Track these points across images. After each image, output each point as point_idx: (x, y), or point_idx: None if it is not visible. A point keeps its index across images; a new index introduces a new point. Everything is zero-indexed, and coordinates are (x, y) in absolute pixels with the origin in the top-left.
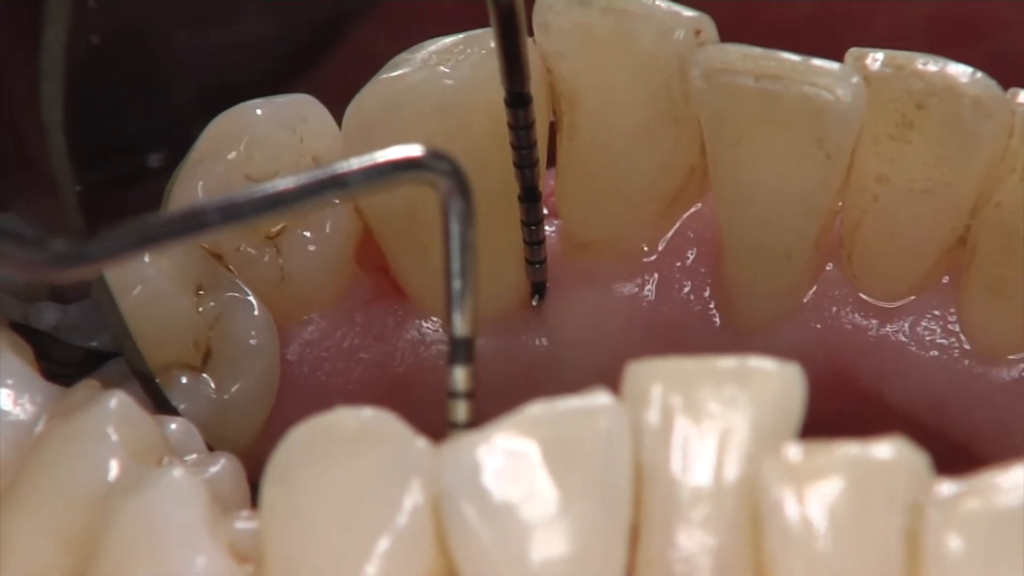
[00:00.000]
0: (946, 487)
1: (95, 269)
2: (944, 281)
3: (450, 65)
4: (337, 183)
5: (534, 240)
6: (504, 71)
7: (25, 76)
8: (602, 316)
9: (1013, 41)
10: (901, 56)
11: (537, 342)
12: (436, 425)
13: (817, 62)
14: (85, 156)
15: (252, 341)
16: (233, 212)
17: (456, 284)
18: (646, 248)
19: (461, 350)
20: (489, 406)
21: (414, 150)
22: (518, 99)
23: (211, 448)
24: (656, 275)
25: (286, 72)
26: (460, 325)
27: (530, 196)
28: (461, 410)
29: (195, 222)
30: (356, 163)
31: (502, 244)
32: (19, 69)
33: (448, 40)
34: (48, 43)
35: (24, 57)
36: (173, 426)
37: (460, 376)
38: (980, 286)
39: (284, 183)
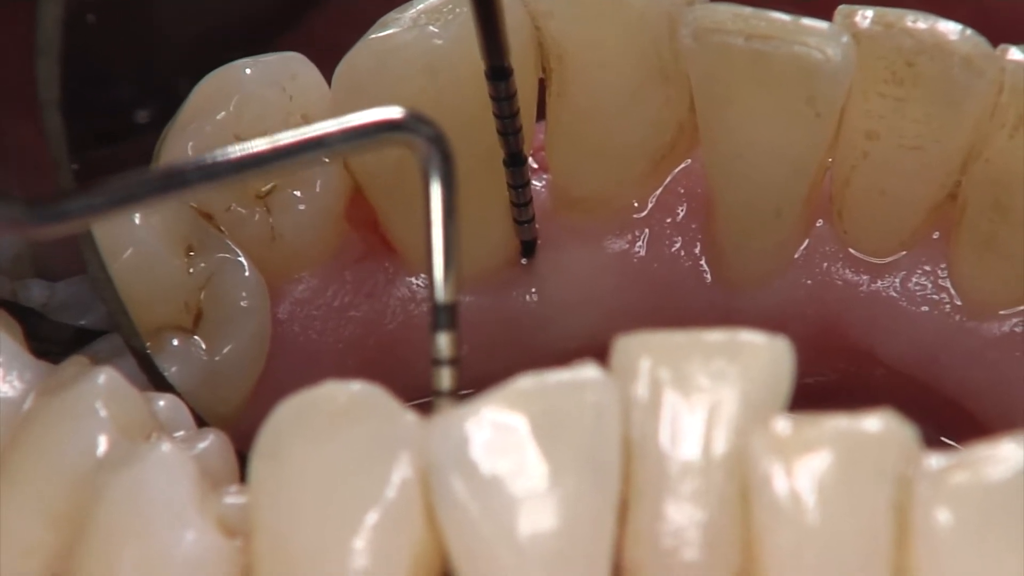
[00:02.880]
0: (934, 460)
1: (75, 226)
2: (935, 237)
3: (439, 24)
4: (317, 144)
5: (521, 201)
6: (483, 46)
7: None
8: (592, 272)
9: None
10: (891, 13)
11: (527, 298)
12: (427, 383)
13: (807, 21)
14: (73, 114)
15: (243, 303)
16: (212, 171)
17: (437, 249)
18: (636, 204)
19: (444, 316)
20: (479, 364)
21: (394, 112)
22: (498, 72)
23: (201, 423)
24: (646, 231)
25: (272, 27)
26: (442, 291)
27: (515, 161)
28: (445, 377)
29: (175, 180)
30: (335, 124)
31: (491, 201)
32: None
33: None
34: (43, 21)
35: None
36: (162, 402)
37: (444, 342)
38: (970, 242)
39: (262, 143)
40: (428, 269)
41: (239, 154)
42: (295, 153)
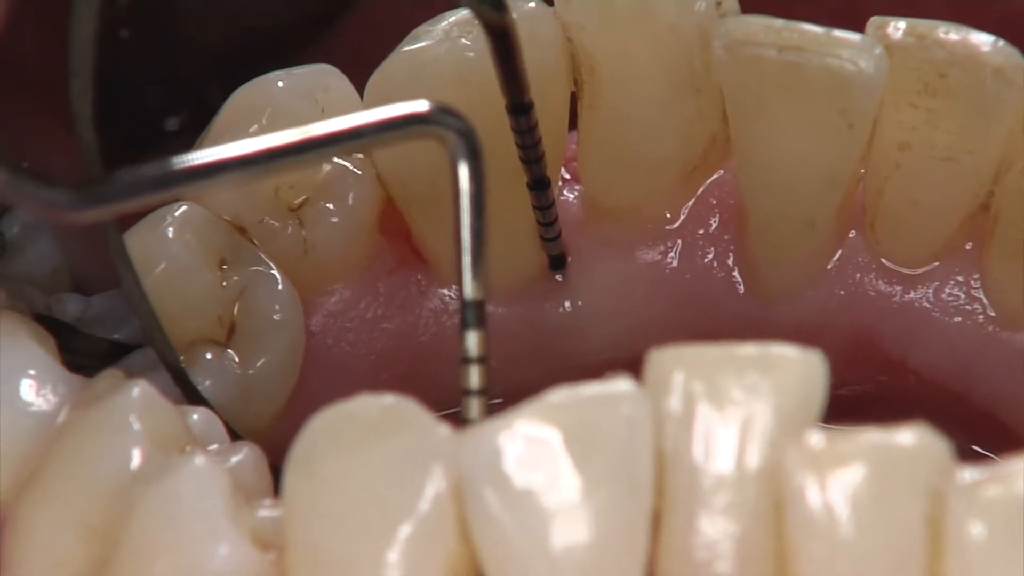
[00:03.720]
0: (968, 473)
1: (113, 210)
2: (967, 247)
3: (471, 37)
4: (347, 136)
5: (547, 221)
6: (503, 85)
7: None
8: (625, 283)
9: None
10: (923, 25)
11: (560, 309)
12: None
13: (839, 33)
14: (103, 120)
15: (276, 316)
16: (248, 160)
17: (465, 243)
18: (668, 215)
19: (472, 313)
20: (512, 374)
21: (422, 105)
22: (519, 108)
23: (234, 437)
24: (679, 242)
25: (300, 35)
26: (471, 287)
27: (538, 185)
28: (474, 375)
29: (213, 166)
30: (365, 117)
31: (524, 212)
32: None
33: (466, 12)
34: (75, 42)
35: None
36: (195, 416)
37: (472, 340)
38: (1003, 252)
39: (294, 134)
40: (456, 264)
41: (274, 144)
42: (326, 144)
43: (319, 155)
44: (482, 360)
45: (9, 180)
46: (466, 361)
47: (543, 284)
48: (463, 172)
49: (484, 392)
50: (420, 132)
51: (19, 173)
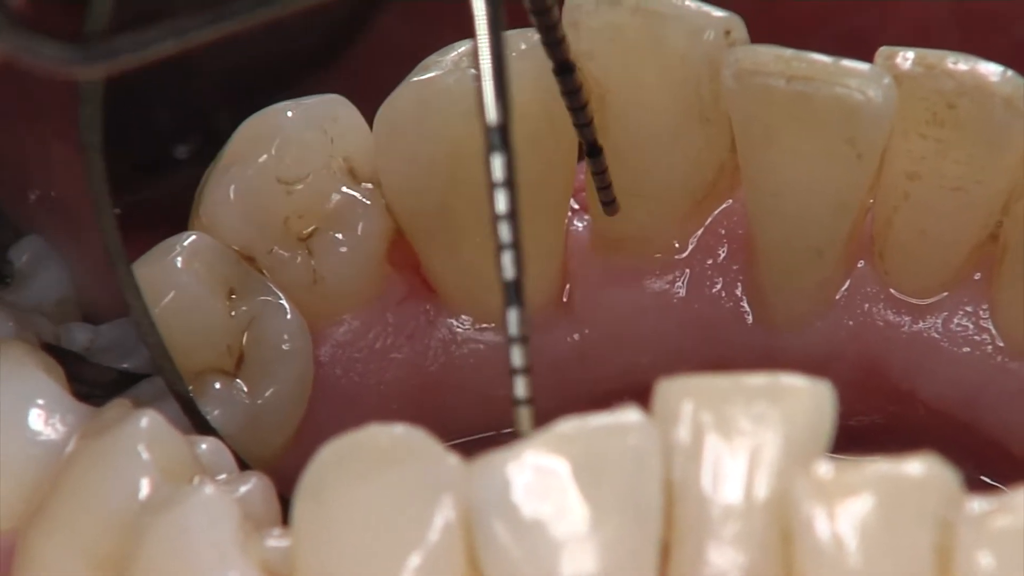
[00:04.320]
0: (977, 504)
1: (123, 63)
2: (976, 278)
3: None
4: None
5: (604, 185)
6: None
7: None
8: (633, 312)
9: None
10: (931, 55)
11: (568, 339)
12: (470, 423)
13: (848, 63)
14: (112, 146)
15: (285, 346)
16: (257, 2)
17: (486, 68)
18: (677, 245)
19: (497, 137)
20: None
21: None
22: (563, 67)
23: (243, 466)
24: (687, 271)
25: (309, 63)
26: (493, 110)
27: (592, 151)
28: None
29: (223, 13)
30: None
31: (533, 240)
32: None
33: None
34: None
35: None
36: (204, 446)
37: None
38: (1012, 282)
39: None
40: (477, 94)
41: None
42: None
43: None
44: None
45: (11, 36)
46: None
47: (552, 313)
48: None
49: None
50: None
51: (20, 28)
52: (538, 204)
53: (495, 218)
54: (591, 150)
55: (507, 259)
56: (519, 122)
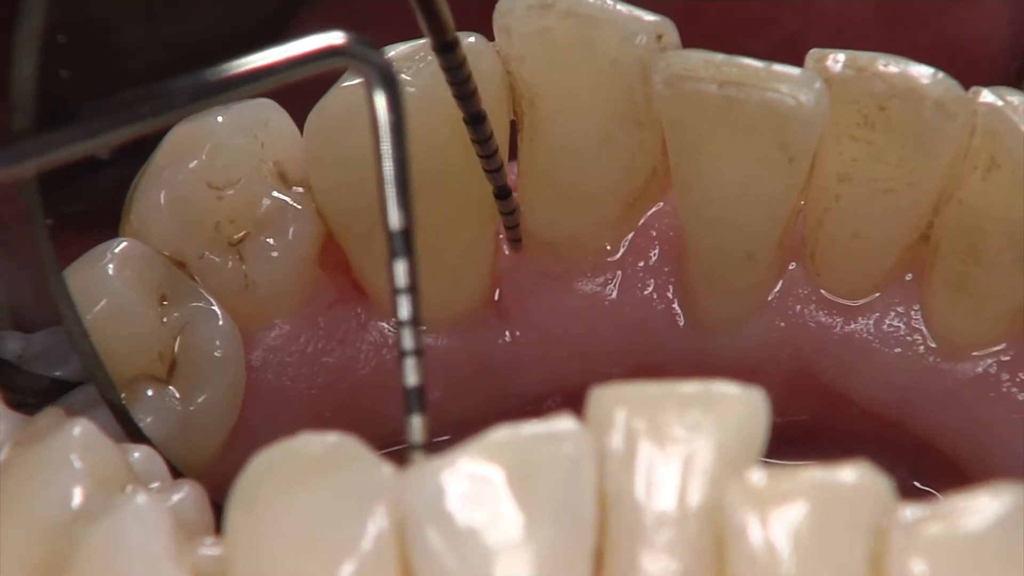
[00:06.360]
0: (910, 511)
1: (33, 167)
2: (908, 278)
3: (411, 72)
4: (264, 73)
5: (512, 224)
6: (458, 100)
7: None
8: (564, 315)
9: (960, 23)
10: (862, 57)
11: (499, 340)
12: (401, 427)
13: (779, 68)
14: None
15: (217, 352)
16: (166, 104)
17: (388, 173)
18: (609, 247)
19: (400, 243)
20: (452, 406)
21: (337, 37)
22: (475, 118)
23: (176, 474)
24: (619, 274)
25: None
26: (396, 217)
27: (502, 194)
28: (403, 307)
29: (131, 115)
30: (280, 53)
31: (462, 243)
32: None
33: (408, 46)
34: (18, 78)
35: None
36: (136, 454)
37: (400, 272)
38: (944, 283)
39: (212, 74)
40: (380, 196)
41: (191, 86)
42: (244, 82)
43: (238, 94)
44: (412, 290)
45: None
46: (396, 292)
47: (482, 315)
48: (380, 102)
49: (416, 322)
50: (337, 63)
51: None
52: (467, 204)
53: (398, 323)
54: (500, 193)
55: (409, 365)
56: (449, 119)
